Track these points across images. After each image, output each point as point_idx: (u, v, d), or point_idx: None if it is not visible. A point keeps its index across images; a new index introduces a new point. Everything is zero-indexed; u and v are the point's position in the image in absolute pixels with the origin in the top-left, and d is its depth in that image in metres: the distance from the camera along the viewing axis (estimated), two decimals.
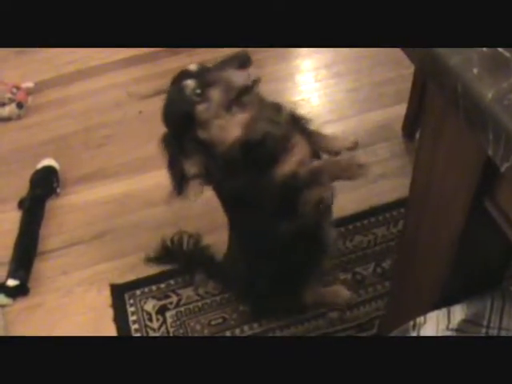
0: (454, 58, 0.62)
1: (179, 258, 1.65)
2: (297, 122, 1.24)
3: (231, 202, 1.30)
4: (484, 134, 0.59)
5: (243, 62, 1.11)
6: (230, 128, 1.14)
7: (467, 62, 0.61)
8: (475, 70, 0.60)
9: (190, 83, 1.12)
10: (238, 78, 1.11)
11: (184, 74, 1.15)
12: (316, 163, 1.21)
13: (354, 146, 1.28)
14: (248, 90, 1.12)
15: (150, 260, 1.67)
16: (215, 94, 1.11)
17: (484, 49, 0.62)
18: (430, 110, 0.81)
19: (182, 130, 1.16)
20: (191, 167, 1.18)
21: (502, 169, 0.57)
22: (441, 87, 0.65)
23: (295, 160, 1.18)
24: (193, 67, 1.16)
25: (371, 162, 1.87)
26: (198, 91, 1.11)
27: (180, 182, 1.20)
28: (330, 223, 1.37)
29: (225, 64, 1.13)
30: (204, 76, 1.12)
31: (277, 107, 1.22)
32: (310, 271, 1.44)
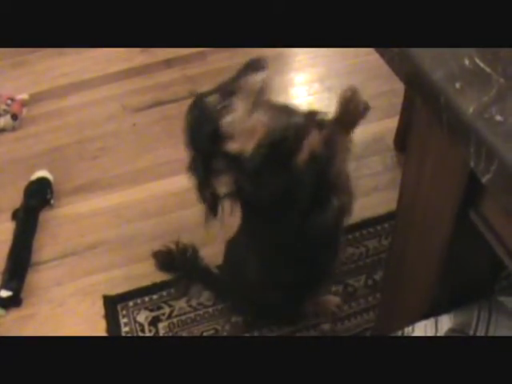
0: (438, 72, 0.64)
1: (181, 267, 1.67)
2: (311, 115, 1.24)
3: (261, 209, 1.28)
4: (466, 147, 0.60)
5: (257, 66, 1.12)
6: (255, 130, 1.14)
7: (450, 77, 0.63)
8: (457, 85, 0.62)
9: (211, 99, 1.13)
10: (256, 80, 1.11)
11: (202, 95, 1.16)
12: (324, 131, 1.20)
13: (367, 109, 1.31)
14: (265, 90, 1.13)
15: (157, 266, 1.69)
16: (238, 102, 1.12)
17: (466, 63, 0.64)
18: (416, 123, 0.83)
19: (210, 150, 1.16)
20: (222, 186, 1.19)
21: (483, 180, 0.59)
22: (425, 101, 0.67)
23: (307, 146, 1.17)
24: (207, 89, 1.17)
25: (364, 174, 1.88)
26: (221, 105, 1.11)
27: (213, 205, 1.21)
28: (342, 229, 1.38)
29: (240, 72, 1.14)
30: (224, 88, 1.13)
31: (289, 107, 1.24)
32: (321, 279, 1.46)
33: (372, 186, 1.85)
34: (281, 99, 2.14)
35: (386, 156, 1.96)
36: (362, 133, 2.03)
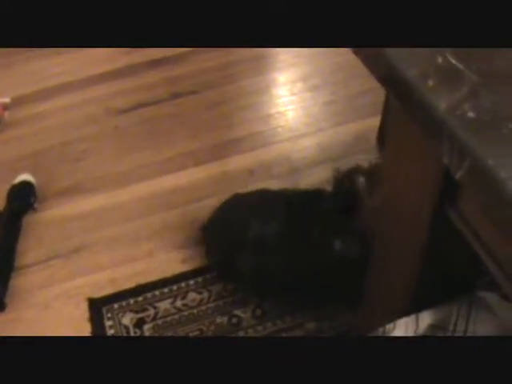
0: (411, 70, 0.64)
1: None
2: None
3: None
4: (439, 144, 0.61)
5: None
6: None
7: (423, 74, 0.63)
8: (430, 82, 0.62)
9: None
10: None
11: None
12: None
13: None
14: None
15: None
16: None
17: (440, 61, 0.65)
18: (392, 121, 0.83)
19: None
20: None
21: (457, 176, 0.59)
22: (399, 99, 0.67)
23: None
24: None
25: None
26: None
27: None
28: None
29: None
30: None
31: None
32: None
33: None
34: (264, 99, 2.17)
35: (370, 154, 1.96)
36: (345, 132, 2.06)
